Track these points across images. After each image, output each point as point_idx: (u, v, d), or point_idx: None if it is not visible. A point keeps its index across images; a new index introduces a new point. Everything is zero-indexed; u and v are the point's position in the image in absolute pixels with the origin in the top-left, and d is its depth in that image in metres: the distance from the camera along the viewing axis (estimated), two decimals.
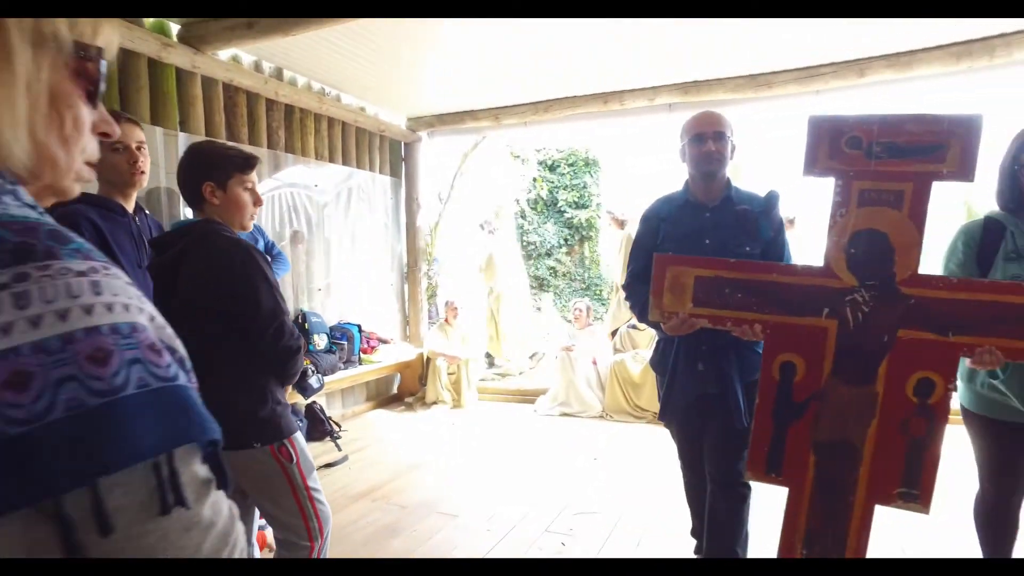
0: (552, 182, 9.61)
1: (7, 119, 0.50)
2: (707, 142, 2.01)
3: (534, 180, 9.57)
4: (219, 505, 0.52)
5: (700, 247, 2.01)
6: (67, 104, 0.54)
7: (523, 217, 9.61)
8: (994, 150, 1.84)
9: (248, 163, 1.79)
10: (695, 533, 2.40)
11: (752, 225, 2.01)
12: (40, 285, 0.44)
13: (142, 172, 2.09)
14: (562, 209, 9.66)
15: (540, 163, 9.62)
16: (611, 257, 7.60)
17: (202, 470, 0.51)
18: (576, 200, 9.62)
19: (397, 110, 5.53)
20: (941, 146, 1.50)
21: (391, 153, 5.79)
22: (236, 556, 0.53)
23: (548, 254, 9.74)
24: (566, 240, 9.68)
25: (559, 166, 9.59)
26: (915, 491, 1.62)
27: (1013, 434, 1.80)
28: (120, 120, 2.06)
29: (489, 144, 6.68)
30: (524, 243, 9.67)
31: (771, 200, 2.06)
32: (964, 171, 1.49)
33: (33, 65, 0.51)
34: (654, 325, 1.94)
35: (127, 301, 0.49)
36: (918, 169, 1.51)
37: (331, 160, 4.99)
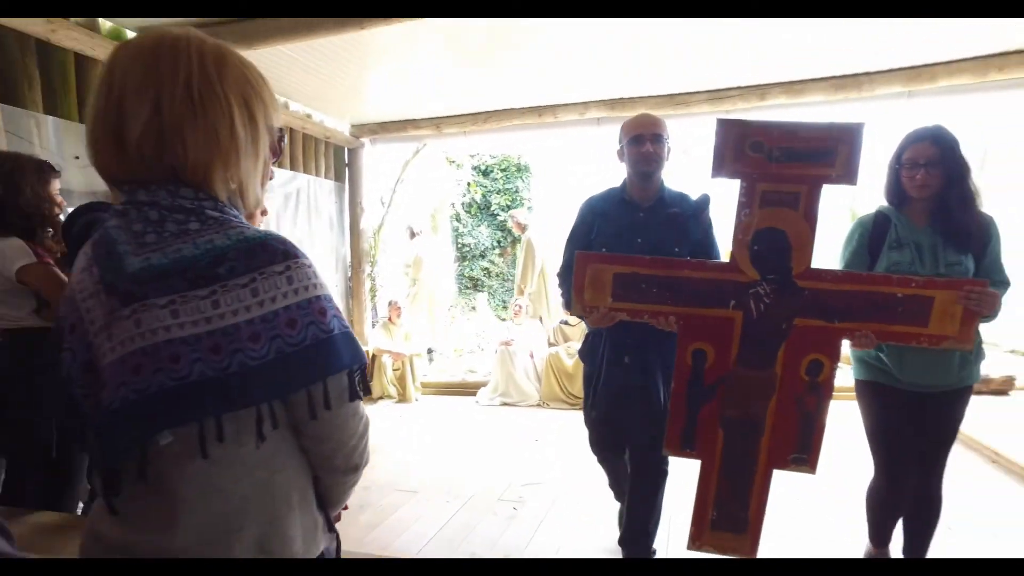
0: (486, 186, 9.94)
1: (255, 180, 0.87)
2: (645, 143, 2.07)
3: (468, 185, 9.86)
4: (362, 406, 0.89)
5: (632, 245, 2.07)
6: (268, 168, 0.91)
7: (458, 220, 9.85)
8: (870, 165, 2.06)
9: None
10: (619, 497, 2.56)
11: (682, 227, 2.11)
12: (296, 272, 0.79)
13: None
14: (495, 212, 9.95)
15: (474, 168, 9.89)
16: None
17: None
18: (509, 204, 9.94)
19: (341, 117, 5.65)
20: (830, 152, 1.68)
21: (335, 159, 5.91)
22: (368, 439, 0.91)
23: (482, 255, 9.99)
24: (499, 242, 9.95)
25: (492, 171, 9.90)
26: (805, 456, 1.81)
27: (893, 397, 2.01)
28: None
29: (428, 151, 6.87)
30: (459, 245, 9.89)
31: (701, 203, 2.16)
32: (849, 175, 1.68)
33: (264, 144, 0.87)
34: (580, 316, 2.05)
35: (325, 282, 0.84)
36: (811, 172, 1.69)
37: (279, 165, 5.04)
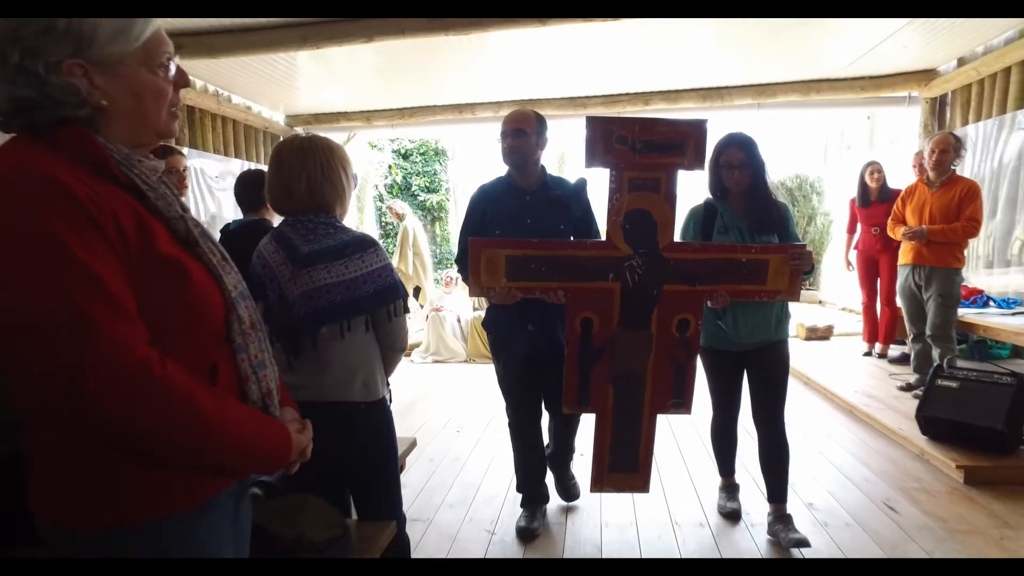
0: (406, 169, 10.42)
1: (347, 207, 1.72)
2: (507, 138, 2.24)
3: (389, 167, 10.31)
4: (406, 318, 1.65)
5: (522, 226, 2.25)
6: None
7: (381, 200, 10.15)
8: None
9: None
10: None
11: (565, 207, 2.31)
12: (379, 251, 1.57)
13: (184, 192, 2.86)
14: (415, 193, 10.44)
15: (394, 151, 10.35)
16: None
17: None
18: (428, 185, 10.47)
19: (276, 109, 6.11)
20: (682, 144, 1.95)
21: (268, 145, 6.27)
22: (407, 337, 1.70)
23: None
24: (420, 221, 10.33)
25: (412, 154, 10.42)
26: (682, 400, 2.13)
27: (727, 358, 2.35)
28: (171, 152, 2.69)
29: (357, 138, 7.35)
30: (383, 223, 10.27)
31: (579, 186, 2.38)
32: (698, 162, 1.95)
33: (352, 190, 1.72)
34: (480, 296, 2.22)
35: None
36: (668, 161, 1.95)
37: (225, 154, 5.43)
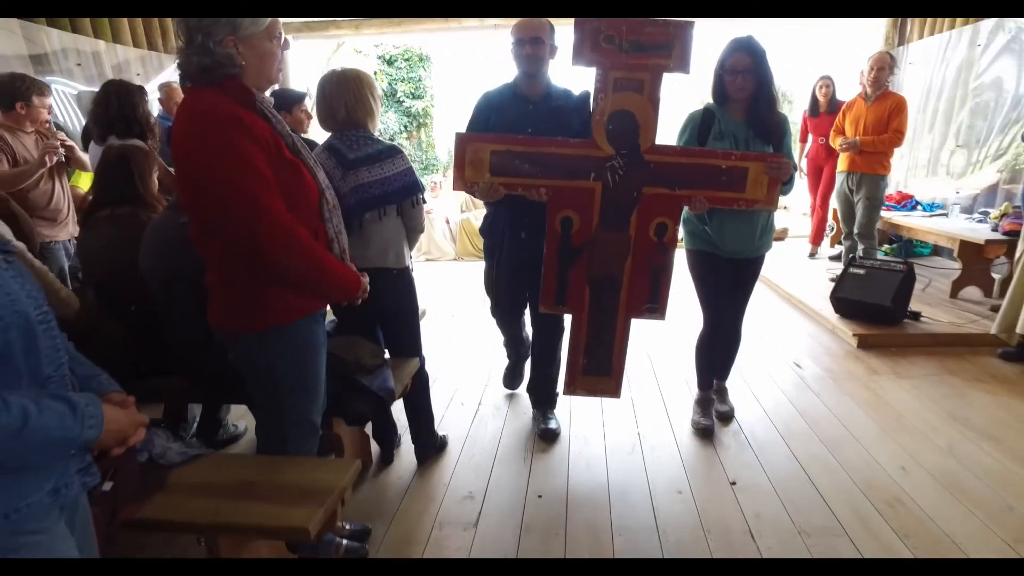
0: (391, 75, 10.50)
1: (378, 123, 2.14)
2: (525, 46, 2.20)
3: (375, 74, 10.36)
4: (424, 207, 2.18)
5: (523, 134, 2.20)
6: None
7: None
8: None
9: None
10: (510, 356, 2.89)
11: (566, 118, 2.29)
12: (404, 156, 2.08)
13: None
14: (400, 99, 10.53)
15: (379, 58, 10.40)
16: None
17: None
18: (413, 91, 10.56)
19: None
20: (668, 45, 1.96)
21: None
22: (424, 220, 2.25)
23: (391, 139, 10.66)
24: (405, 127, 10.61)
25: (396, 60, 10.51)
26: (656, 305, 2.18)
27: (715, 260, 2.35)
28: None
29: (346, 46, 7.62)
30: None
31: (583, 98, 2.35)
32: (683, 65, 1.96)
33: (379, 110, 2.21)
34: (463, 190, 2.26)
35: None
36: (654, 62, 1.97)
37: None
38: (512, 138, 2.03)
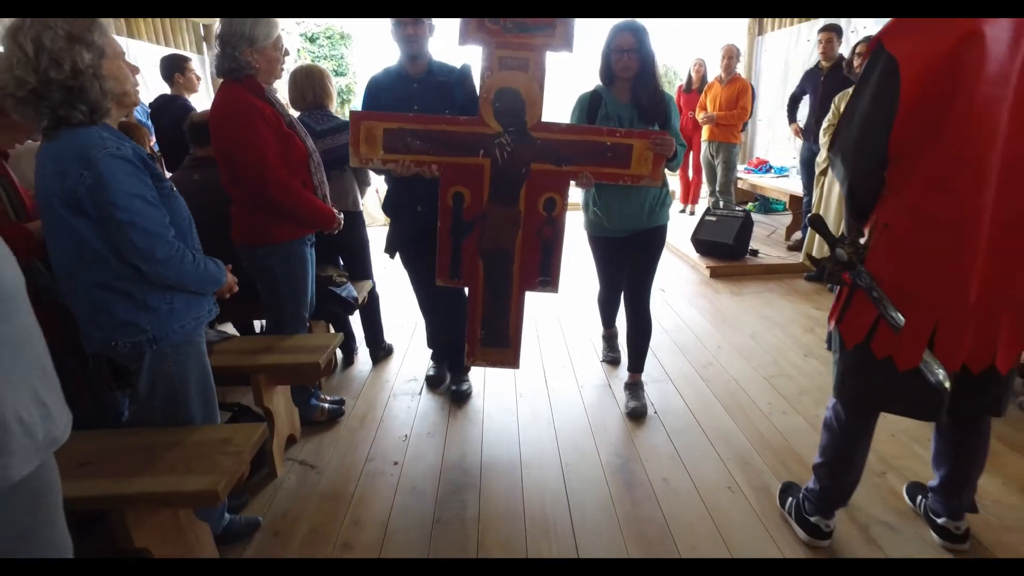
0: (314, 53, 10.76)
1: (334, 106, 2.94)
2: (406, 27, 2.26)
3: (298, 51, 10.59)
4: None
5: (410, 111, 2.23)
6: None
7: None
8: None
9: None
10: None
11: (449, 93, 2.34)
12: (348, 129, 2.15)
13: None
14: None
15: (301, 35, 10.64)
16: None
17: None
18: (336, 69, 10.75)
19: None
20: (551, 25, 2.01)
21: (193, 33, 6.78)
22: None
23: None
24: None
25: (318, 38, 10.80)
26: (549, 278, 2.26)
27: (607, 243, 2.51)
28: None
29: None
30: None
31: (464, 72, 2.38)
32: (567, 45, 2.02)
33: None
34: (375, 171, 2.32)
35: None
36: (537, 42, 2.03)
37: (145, 39, 5.81)
38: (403, 116, 2.07)
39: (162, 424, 1.58)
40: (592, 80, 2.42)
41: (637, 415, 2.55)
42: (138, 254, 1.38)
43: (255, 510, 2.01)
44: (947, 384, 1.40)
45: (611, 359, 3.11)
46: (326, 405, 2.57)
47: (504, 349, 2.35)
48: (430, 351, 3.03)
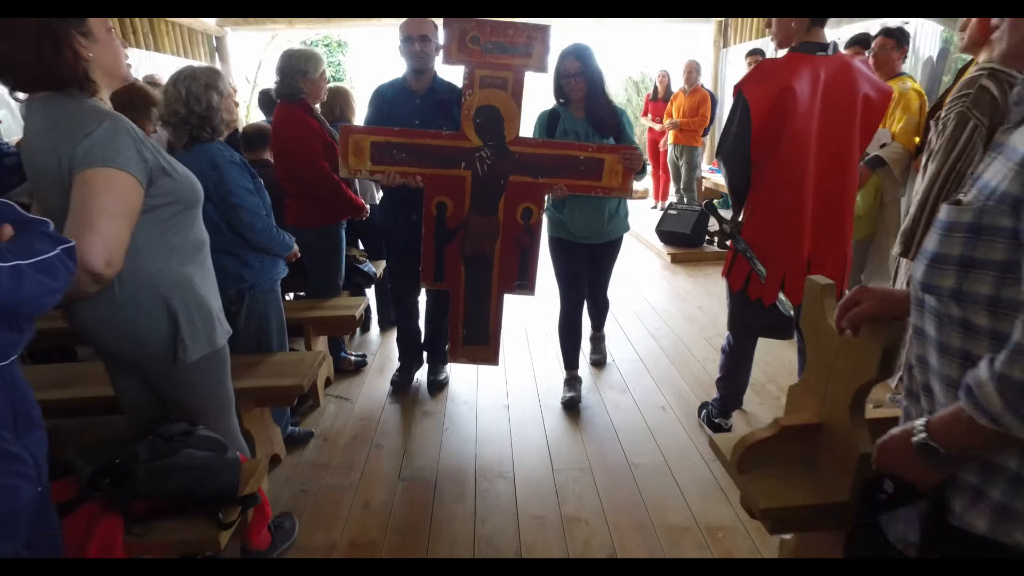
0: None
1: None
2: (414, 43, 2.32)
3: None
4: None
5: (411, 125, 2.34)
6: None
7: None
8: None
9: None
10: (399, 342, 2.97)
11: (448, 110, 2.42)
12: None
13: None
14: None
15: (300, 42, 10.67)
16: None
17: None
18: (333, 76, 10.89)
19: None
20: (528, 46, 2.16)
21: (207, 45, 7.15)
22: None
23: None
24: None
25: (316, 46, 10.96)
26: (525, 282, 2.42)
27: (569, 247, 2.49)
28: None
29: (280, 38, 8.58)
30: None
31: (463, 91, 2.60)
32: (541, 65, 2.18)
33: None
34: (349, 176, 2.35)
35: None
36: (516, 63, 2.17)
37: (168, 52, 6.11)
38: (390, 129, 2.20)
39: (250, 351, 2.14)
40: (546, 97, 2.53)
41: (599, 364, 3.07)
42: (244, 226, 1.97)
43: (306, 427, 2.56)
44: (791, 313, 2.04)
45: (569, 400, 2.69)
46: (352, 357, 3.12)
47: (484, 346, 2.50)
48: (397, 360, 2.96)
